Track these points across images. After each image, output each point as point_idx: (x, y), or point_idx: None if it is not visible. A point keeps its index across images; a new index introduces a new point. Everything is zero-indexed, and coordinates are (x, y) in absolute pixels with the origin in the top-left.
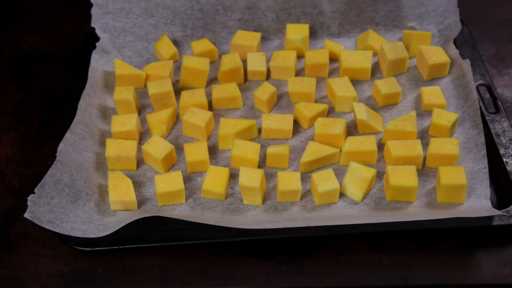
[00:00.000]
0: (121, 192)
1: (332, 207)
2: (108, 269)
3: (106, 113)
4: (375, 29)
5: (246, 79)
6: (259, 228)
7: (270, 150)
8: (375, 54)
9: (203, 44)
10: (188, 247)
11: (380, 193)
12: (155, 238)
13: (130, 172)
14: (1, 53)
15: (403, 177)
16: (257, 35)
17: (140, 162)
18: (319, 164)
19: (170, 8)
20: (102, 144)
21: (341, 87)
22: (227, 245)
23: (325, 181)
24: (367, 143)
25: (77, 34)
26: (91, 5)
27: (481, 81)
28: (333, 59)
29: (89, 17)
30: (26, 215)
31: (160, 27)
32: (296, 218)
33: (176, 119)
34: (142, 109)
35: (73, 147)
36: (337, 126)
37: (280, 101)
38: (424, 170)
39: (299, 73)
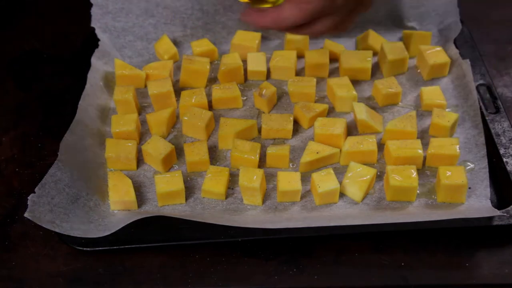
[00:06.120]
0: (121, 192)
1: (332, 207)
2: (108, 269)
3: (106, 113)
4: (375, 29)
5: (246, 79)
6: (259, 228)
7: (270, 150)
8: (375, 54)
9: (203, 44)
10: (188, 247)
11: (380, 193)
12: (155, 238)
13: (130, 172)
14: (1, 53)
15: (403, 177)
16: (257, 35)
17: (140, 162)
18: (319, 164)
19: (170, 8)
20: (102, 144)
21: (341, 87)
22: (227, 245)
23: (325, 181)
24: (367, 143)
25: (77, 34)
26: (91, 5)
27: (481, 81)
28: (333, 59)
29: (89, 17)
30: (26, 214)
31: (160, 27)
32: (296, 218)
33: (176, 119)
34: (142, 109)
35: (73, 147)
36: (337, 126)
37: (280, 101)
38: (424, 170)
39: (299, 73)
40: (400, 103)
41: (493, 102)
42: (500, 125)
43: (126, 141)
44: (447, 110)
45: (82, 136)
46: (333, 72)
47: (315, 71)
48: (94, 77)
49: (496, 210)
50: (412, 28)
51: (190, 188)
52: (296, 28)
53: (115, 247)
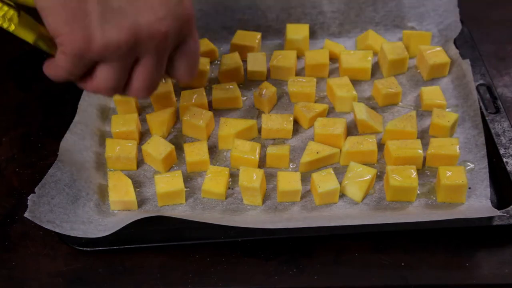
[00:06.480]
0: (121, 192)
1: (332, 207)
2: (108, 269)
3: (106, 113)
4: (375, 29)
5: (246, 79)
6: (259, 228)
7: (270, 150)
8: (375, 54)
9: (203, 44)
10: (188, 247)
11: (380, 193)
12: (155, 238)
13: (130, 172)
14: (1, 53)
15: (403, 177)
16: (257, 35)
17: (140, 162)
18: (319, 164)
19: None
20: (102, 144)
21: (341, 87)
22: (227, 245)
23: (325, 181)
24: (367, 143)
25: None
26: None
27: (481, 81)
28: (333, 59)
29: None
30: (26, 214)
31: None
32: (296, 218)
33: (176, 119)
34: (142, 109)
35: (73, 147)
36: (337, 126)
37: (280, 101)
38: (424, 170)
39: (299, 73)
40: (400, 103)
41: (493, 102)
42: (500, 125)
43: (126, 141)
44: (447, 110)
45: (82, 136)
46: (333, 72)
47: (315, 71)
48: None
49: (496, 210)
50: (412, 28)
51: (190, 188)
52: (81, 80)
53: (115, 247)
